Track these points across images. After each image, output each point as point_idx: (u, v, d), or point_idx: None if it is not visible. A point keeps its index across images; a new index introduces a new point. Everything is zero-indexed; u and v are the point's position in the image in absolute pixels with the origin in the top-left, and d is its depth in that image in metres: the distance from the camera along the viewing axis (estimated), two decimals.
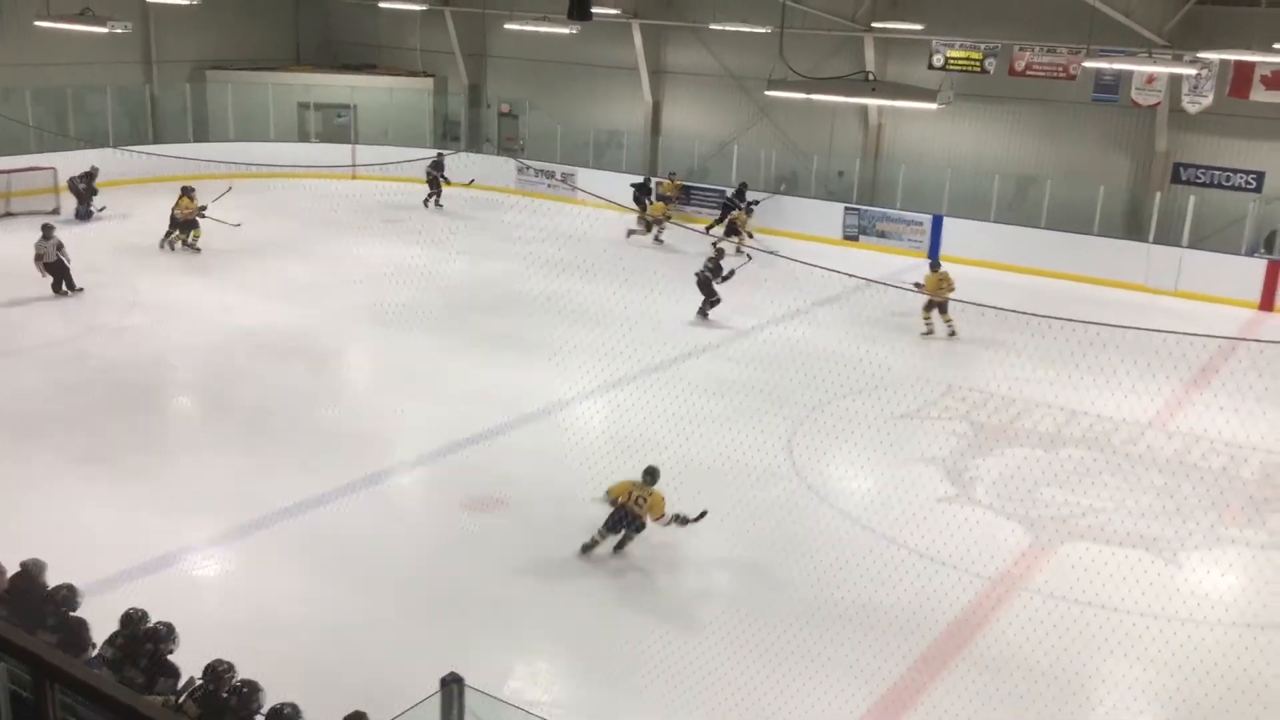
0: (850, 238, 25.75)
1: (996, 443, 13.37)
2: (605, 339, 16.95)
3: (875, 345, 17.29)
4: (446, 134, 32.58)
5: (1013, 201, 25.19)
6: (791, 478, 11.86)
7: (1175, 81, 22.63)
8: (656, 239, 25.05)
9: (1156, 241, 23.32)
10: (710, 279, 18.72)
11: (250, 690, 6.38)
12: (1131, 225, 24.34)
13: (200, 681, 6.53)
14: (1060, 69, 23.95)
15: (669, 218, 24.74)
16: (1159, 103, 23.28)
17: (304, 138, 31.69)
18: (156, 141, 28.40)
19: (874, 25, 25.04)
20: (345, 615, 8.75)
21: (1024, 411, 14.65)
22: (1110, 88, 23.86)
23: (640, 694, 7.94)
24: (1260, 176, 23.39)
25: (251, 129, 30.67)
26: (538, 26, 25.68)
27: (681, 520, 10.03)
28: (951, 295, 17.70)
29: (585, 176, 29.03)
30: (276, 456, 11.92)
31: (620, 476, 11.70)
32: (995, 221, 24.54)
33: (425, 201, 27.45)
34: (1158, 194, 23.88)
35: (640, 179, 27.58)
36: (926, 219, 25.10)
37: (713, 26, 26.06)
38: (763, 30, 23.85)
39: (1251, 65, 21.73)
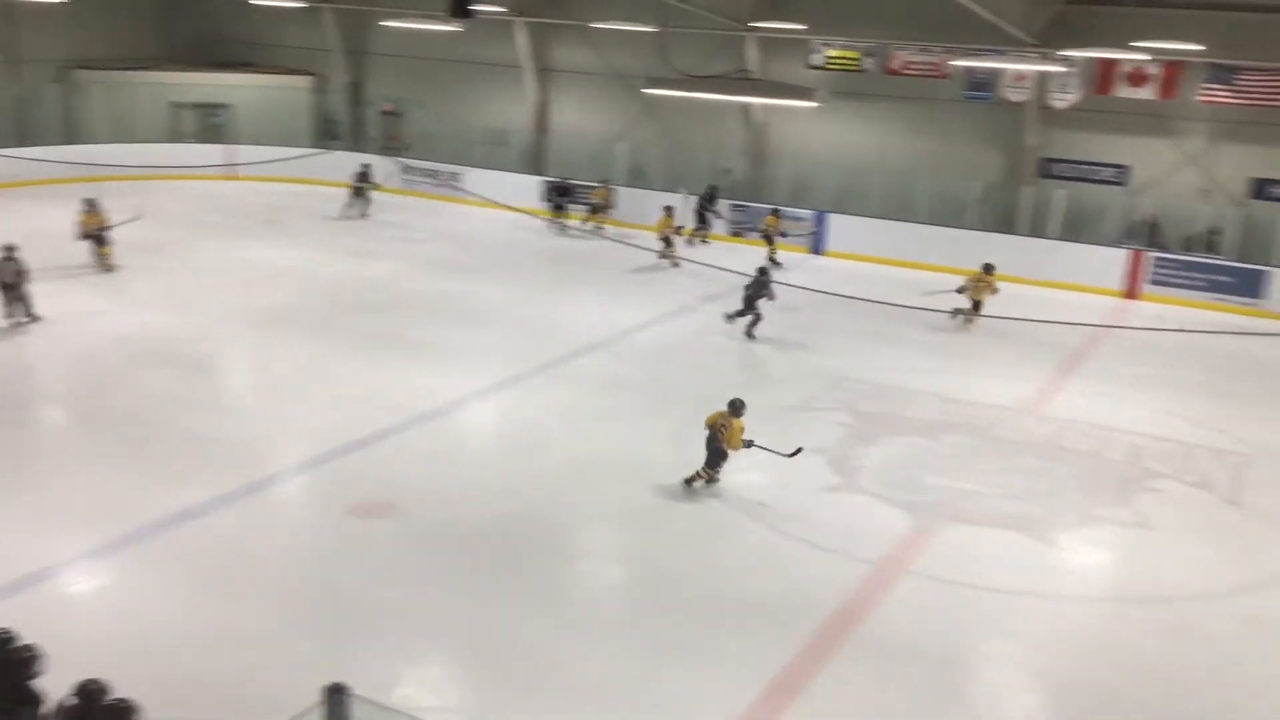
0: (736, 234, 26.03)
1: (880, 432, 13.66)
2: (495, 338, 16.92)
3: (761, 340, 17.55)
4: (327, 133, 31.94)
5: (892, 197, 25.78)
6: (681, 472, 11.94)
7: (1044, 79, 23.45)
8: (664, 256, 22.97)
9: (1027, 234, 24.16)
10: (756, 296, 17.74)
11: (125, 710, 6.15)
12: (1004, 218, 25.14)
13: (71, 703, 6.26)
14: (934, 68, 24.64)
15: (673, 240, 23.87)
16: (1028, 100, 24.09)
17: (178, 138, 30.72)
18: (22, 145, 27.20)
19: (754, 25, 25.36)
20: (226, 629, 8.51)
21: (906, 401, 15.00)
22: (982, 86, 24.59)
23: (531, 695, 7.92)
24: (1125, 170, 24.41)
25: (123, 130, 29.60)
26: (417, 24, 25.36)
27: (761, 447, 11.38)
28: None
29: (472, 176, 28.83)
30: (151, 467, 11.53)
31: (512, 476, 11.71)
32: (876, 217, 25.08)
33: (349, 210, 26.31)
34: (1027, 188, 24.74)
35: (561, 183, 27.35)
36: (811, 215, 25.53)
37: (596, 25, 26.13)
38: (646, 29, 23.97)
39: (1115, 63, 22.65)
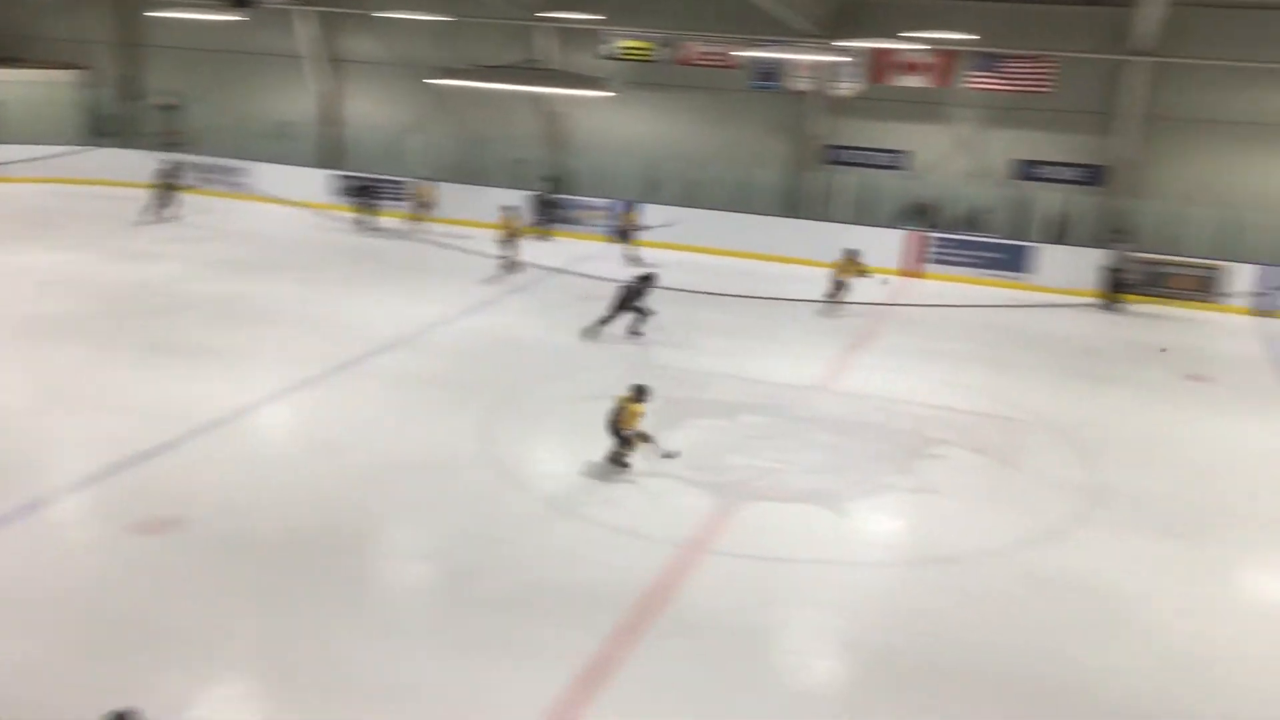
0: (534, 224, 25.95)
1: (683, 415, 13.87)
2: (286, 340, 16.29)
3: (564, 331, 17.58)
4: (97, 129, 30.03)
5: (689, 185, 26.28)
6: (486, 467, 11.81)
7: (827, 69, 24.34)
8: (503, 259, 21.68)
9: (814, 218, 25.09)
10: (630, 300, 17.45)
11: None
12: (792, 204, 26.01)
13: None
14: (723, 58, 25.20)
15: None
16: (813, 89, 24.95)
17: None
18: None
19: (544, 15, 25.30)
20: None
21: (708, 384, 15.30)
22: (769, 76, 25.33)
23: (337, 704, 7.66)
24: (905, 155, 25.62)
25: None
26: (188, 14, 24.11)
27: (645, 438, 11.63)
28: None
29: (260, 171, 27.73)
30: None
31: (307, 481, 11.26)
32: (675, 205, 25.49)
33: (149, 212, 24.46)
34: (812, 174, 25.69)
35: (364, 179, 26.43)
36: (613, 204, 25.72)
37: (381, 14, 25.52)
38: (436, 18, 23.61)
39: (892, 53, 23.74)
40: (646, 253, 22.56)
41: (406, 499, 11.09)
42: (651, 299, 17.43)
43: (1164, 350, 18.62)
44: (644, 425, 11.75)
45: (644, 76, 26.17)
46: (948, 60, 23.68)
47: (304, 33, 28.73)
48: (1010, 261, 23.23)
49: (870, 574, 10.17)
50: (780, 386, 15.29)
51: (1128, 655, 8.81)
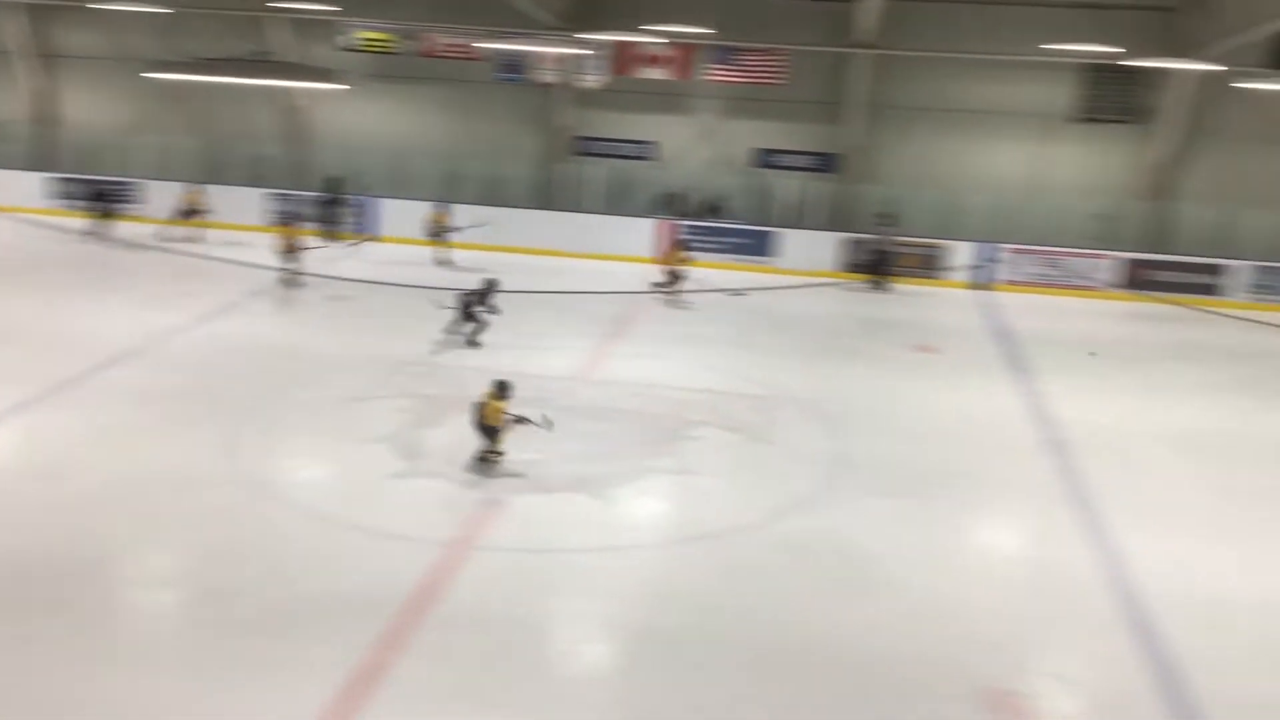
0: (277, 224, 24.97)
1: (444, 413, 13.68)
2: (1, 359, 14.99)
3: (315, 333, 16.99)
4: None
5: (441, 179, 25.93)
6: (233, 481, 11.27)
7: (572, 61, 24.54)
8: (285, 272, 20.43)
9: (566, 210, 25.32)
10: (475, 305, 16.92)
11: None
12: (545, 196, 26.15)
13: None
14: (467, 50, 24.94)
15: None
16: (559, 81, 25.06)
17: None
18: None
19: (274, 5, 24.26)
20: None
21: (466, 380, 15.13)
22: (514, 68, 25.23)
23: None
24: (652, 146, 26.22)
25: None
26: None
27: (521, 420, 11.76)
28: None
29: None
30: None
31: (27, 509, 10.40)
32: (428, 200, 25.08)
33: None
34: (563, 165, 25.92)
35: (98, 182, 24.28)
36: (361, 200, 25.06)
37: (98, 6, 23.82)
38: (157, 10, 22.26)
39: (635, 45, 24.18)
40: (455, 255, 22.30)
41: (144, 521, 10.43)
42: (496, 305, 17.12)
43: (1093, 354, 18.68)
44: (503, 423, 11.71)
45: (387, 69, 25.59)
46: (687, 53, 24.35)
47: (10, 27, 26.44)
48: (755, 246, 24.22)
49: (636, 557, 10.36)
50: (540, 378, 15.30)
51: (875, 610, 9.37)
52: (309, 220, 23.46)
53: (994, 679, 8.34)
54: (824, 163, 25.78)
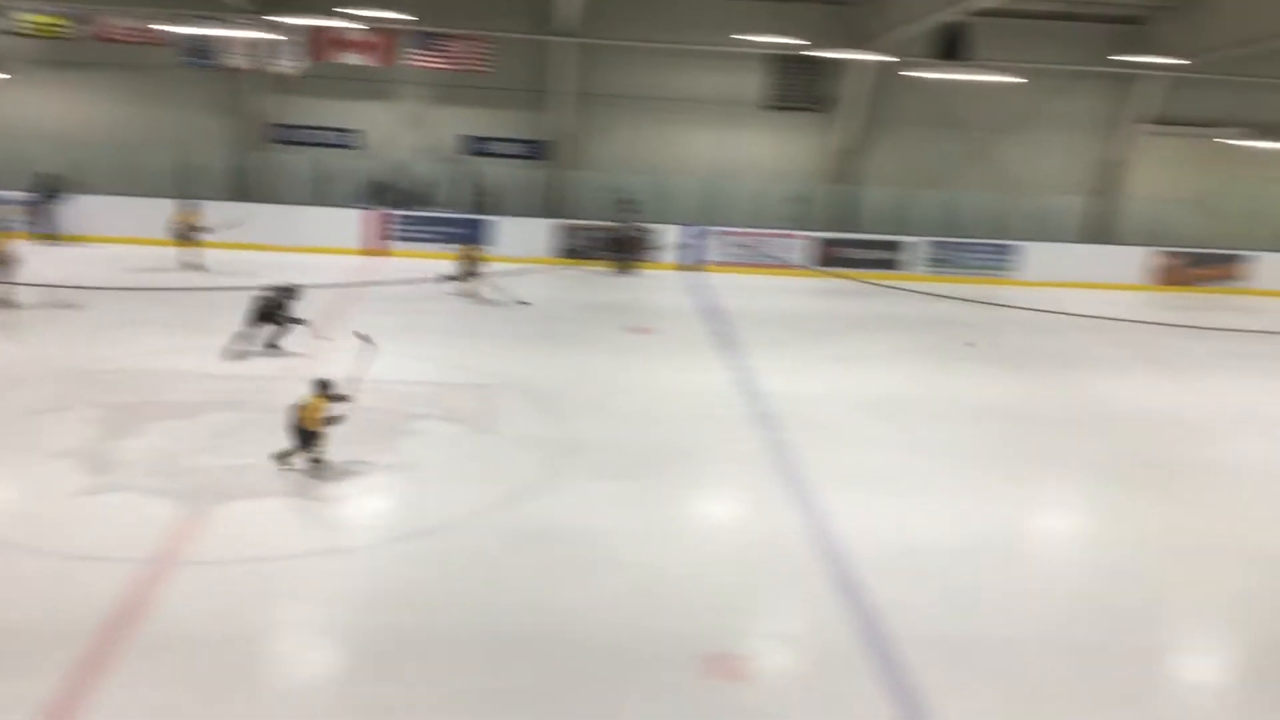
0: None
1: (137, 421, 12.74)
2: None
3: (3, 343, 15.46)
4: None
5: (126, 172, 24.12)
6: None
7: (267, 46, 23.37)
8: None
9: (267, 200, 24.18)
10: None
11: None
12: (242, 186, 24.88)
13: None
14: (148, 34, 23.22)
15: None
16: (254, 67, 23.81)
17: None
18: None
19: None
20: None
21: (165, 385, 14.19)
22: (202, 53, 23.74)
23: None
24: (357, 134, 25.44)
25: None
26: None
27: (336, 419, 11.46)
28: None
29: None
30: None
31: None
32: (112, 194, 23.27)
33: None
34: (260, 154, 24.72)
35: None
36: (33, 198, 22.91)
37: None
38: None
39: (331, 30, 23.31)
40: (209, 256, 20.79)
41: None
42: (297, 310, 16.15)
43: (972, 344, 19.20)
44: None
45: (58, 55, 23.46)
46: (388, 39, 23.74)
47: None
48: (470, 235, 24.00)
49: (358, 558, 10.03)
50: (245, 379, 14.58)
51: (601, 590, 9.53)
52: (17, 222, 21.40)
53: (712, 645, 8.69)
54: (534, 150, 25.92)
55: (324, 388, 11.55)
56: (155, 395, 13.79)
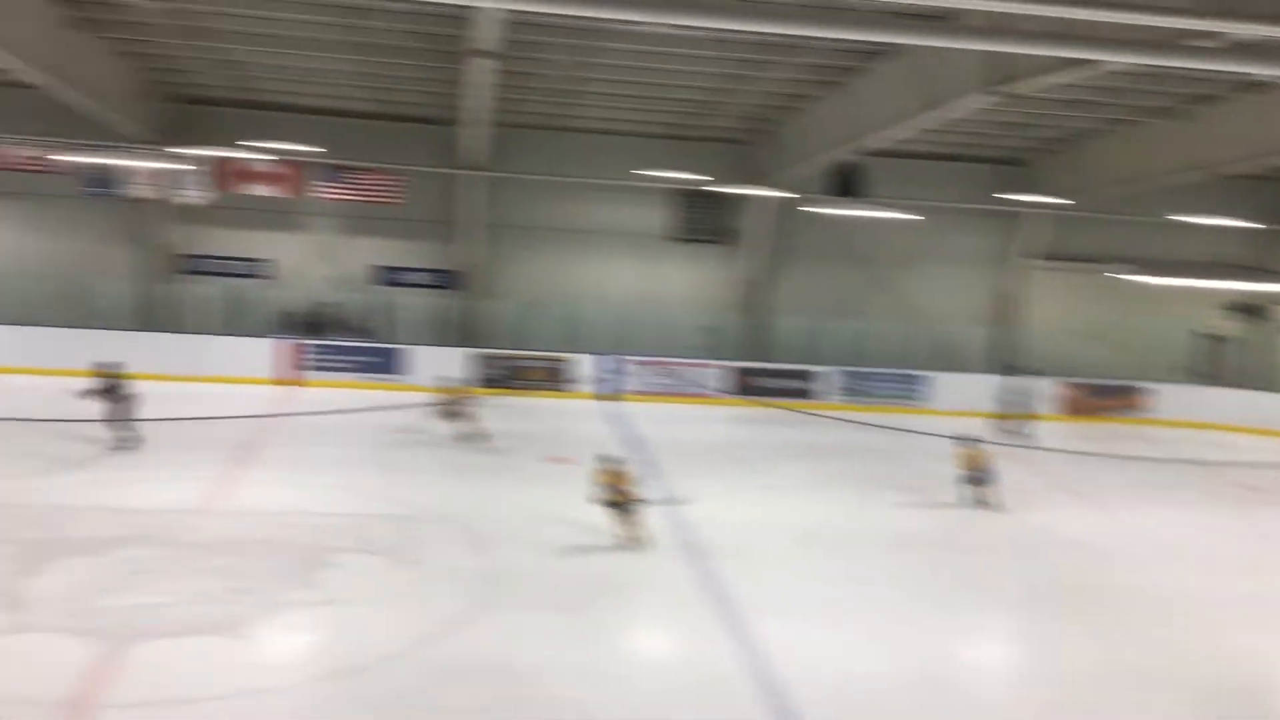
0: None
1: (43, 559, 12.16)
2: None
3: None
4: None
5: (18, 300, 23.52)
6: None
7: (171, 176, 23.30)
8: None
9: (174, 330, 23.78)
10: None
11: None
12: (147, 317, 24.43)
13: None
14: (46, 164, 22.99)
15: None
16: (157, 196, 23.68)
17: None
18: None
19: None
20: None
21: (72, 520, 13.62)
22: (104, 182, 23.54)
23: None
24: (268, 263, 25.30)
25: None
26: None
27: None
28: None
29: None
30: None
31: None
32: (10, 324, 22.62)
33: None
34: (166, 284, 24.40)
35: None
36: None
37: None
38: None
39: (241, 161, 23.40)
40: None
41: None
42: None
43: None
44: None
45: None
46: (295, 170, 23.92)
47: None
48: (383, 364, 23.86)
49: (278, 700, 9.61)
50: (159, 513, 14.07)
51: None
52: None
53: None
54: (446, 279, 26.06)
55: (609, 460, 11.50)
56: (62, 531, 13.20)
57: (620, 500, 13.84)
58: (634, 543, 13.76)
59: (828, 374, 26.12)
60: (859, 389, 26.15)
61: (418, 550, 13.61)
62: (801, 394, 25.73)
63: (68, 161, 22.48)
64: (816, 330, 26.83)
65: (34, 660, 9.80)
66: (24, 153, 23.01)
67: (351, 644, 10.77)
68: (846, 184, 20.88)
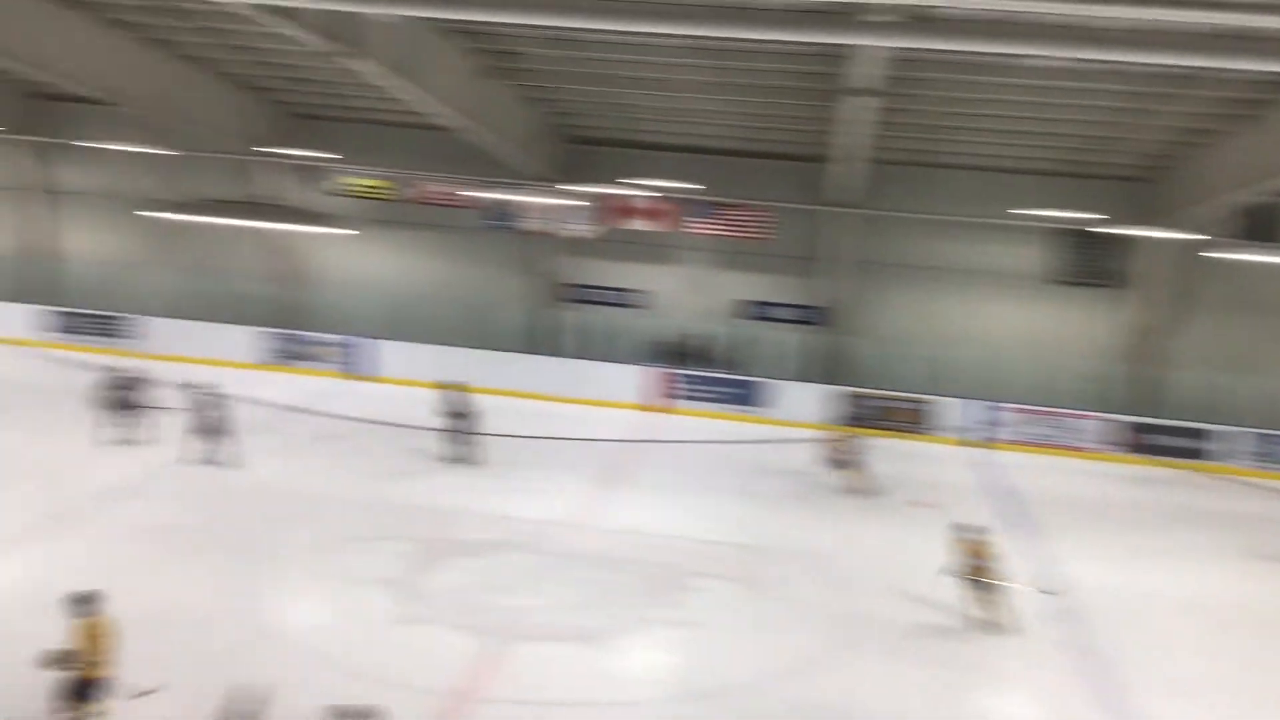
0: (270, 362, 24.86)
1: (439, 557, 13.34)
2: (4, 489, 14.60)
3: (309, 472, 16.68)
4: None
5: (428, 321, 26.01)
6: (240, 617, 10.84)
7: (558, 212, 24.96)
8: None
9: (555, 354, 25.39)
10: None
11: None
12: (533, 341, 26.25)
13: None
14: (454, 198, 25.31)
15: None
16: (545, 230, 25.40)
17: None
18: None
19: (263, 150, 24.50)
20: None
21: (459, 522, 14.84)
22: (502, 216, 25.55)
23: None
24: (642, 294, 26.50)
25: None
26: None
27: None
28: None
29: None
30: None
31: (35, 641, 9.69)
32: (419, 342, 25.06)
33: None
34: (551, 311, 26.13)
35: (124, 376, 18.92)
36: (351, 341, 25.06)
37: (96, 145, 24.14)
38: (155, 151, 22.60)
39: (623, 197, 24.63)
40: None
41: (158, 655, 9.94)
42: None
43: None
44: None
45: (376, 213, 25.94)
46: (672, 206, 24.82)
47: (15, 164, 26.88)
48: (749, 397, 24.20)
49: (641, 713, 9.94)
50: (534, 523, 15.02)
51: None
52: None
53: None
54: (812, 315, 26.07)
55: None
56: (453, 532, 14.41)
57: (980, 577, 12.49)
58: (991, 626, 12.38)
59: (1233, 435, 23.40)
60: (1273, 454, 23.17)
61: (776, 583, 13.62)
62: (1197, 454, 23.22)
63: (473, 197, 24.74)
64: (1219, 385, 24.19)
65: (428, 651, 10.72)
66: (438, 189, 25.58)
67: (706, 668, 10.97)
68: (1258, 227, 18.86)
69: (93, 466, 16.00)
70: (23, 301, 26.02)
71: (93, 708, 8.65)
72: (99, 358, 23.39)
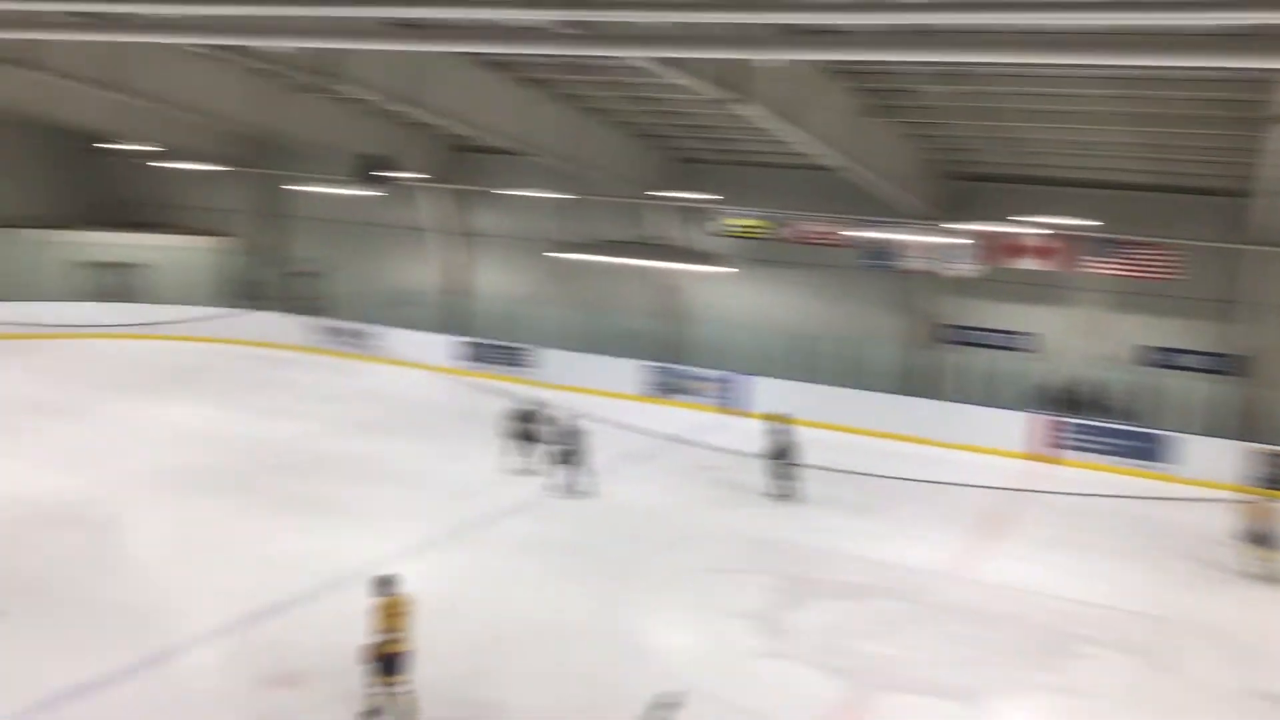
0: (651, 394, 26.16)
1: (806, 595, 13.43)
2: (412, 499, 16.44)
3: (686, 501, 17.40)
4: (245, 293, 31.42)
5: (802, 359, 26.26)
6: (608, 635, 11.53)
7: (940, 250, 24.34)
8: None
9: (929, 396, 24.69)
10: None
11: None
12: (908, 381, 25.72)
13: None
14: (833, 237, 25.39)
15: None
16: (925, 269, 24.83)
17: (86, 296, 30.09)
18: None
19: (655, 194, 25.83)
20: None
21: (830, 563, 14.85)
22: (881, 255, 25.30)
23: None
24: (1026, 337, 25.27)
25: (31, 289, 29.13)
26: (324, 189, 25.92)
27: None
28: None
29: (388, 335, 28.79)
30: (47, 637, 10.73)
31: (433, 641, 10.84)
32: (786, 378, 25.37)
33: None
34: (927, 351, 25.47)
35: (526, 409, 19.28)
36: (728, 376, 25.86)
37: (507, 193, 26.64)
38: (559, 196, 24.64)
39: (1007, 235, 23.64)
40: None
41: (529, 665, 10.85)
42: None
43: None
44: None
45: (755, 252, 26.56)
46: (1065, 244, 23.49)
47: (430, 207, 30.20)
48: (1148, 451, 22.31)
49: None
50: (910, 570, 14.71)
51: None
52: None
53: None
54: (1226, 364, 23.65)
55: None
56: (821, 572, 14.45)
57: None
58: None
59: None
60: None
61: (1175, 657, 12.47)
62: None
63: (852, 236, 24.75)
64: None
65: (790, 688, 10.82)
66: (818, 228, 25.85)
67: None
68: None
69: (493, 487, 17.55)
70: (443, 332, 29.09)
71: (398, 679, 9.46)
72: (503, 385, 25.79)
